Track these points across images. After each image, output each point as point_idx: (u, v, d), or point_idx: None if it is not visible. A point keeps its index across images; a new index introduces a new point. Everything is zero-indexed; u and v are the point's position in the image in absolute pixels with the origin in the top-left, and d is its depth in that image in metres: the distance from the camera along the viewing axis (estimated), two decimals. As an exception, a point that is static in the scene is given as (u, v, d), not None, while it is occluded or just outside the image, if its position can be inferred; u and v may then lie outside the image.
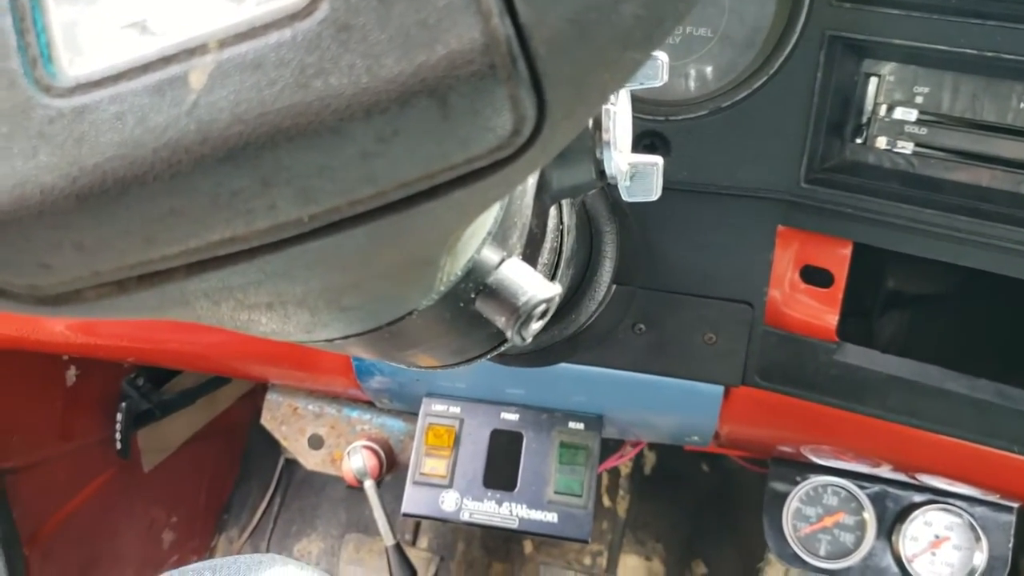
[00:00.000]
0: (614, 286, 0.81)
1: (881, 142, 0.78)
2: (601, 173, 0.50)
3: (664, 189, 0.86)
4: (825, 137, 0.79)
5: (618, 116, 0.49)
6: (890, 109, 0.77)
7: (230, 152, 0.26)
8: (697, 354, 0.90)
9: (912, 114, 0.77)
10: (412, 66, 0.25)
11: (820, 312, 0.87)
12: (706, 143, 0.81)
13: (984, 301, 1.09)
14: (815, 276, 0.86)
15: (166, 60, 0.26)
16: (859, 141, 0.79)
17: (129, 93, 0.26)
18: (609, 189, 0.81)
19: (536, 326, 0.47)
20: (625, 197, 0.53)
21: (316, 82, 0.26)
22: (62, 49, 0.28)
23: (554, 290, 0.46)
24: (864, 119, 0.79)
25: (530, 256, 0.52)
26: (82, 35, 0.28)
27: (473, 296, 0.45)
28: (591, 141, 0.49)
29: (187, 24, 0.27)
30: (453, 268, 0.40)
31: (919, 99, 0.78)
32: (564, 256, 0.61)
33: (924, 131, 0.77)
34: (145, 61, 0.27)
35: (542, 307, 0.45)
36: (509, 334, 0.47)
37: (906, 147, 0.78)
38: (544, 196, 0.50)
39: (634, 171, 0.52)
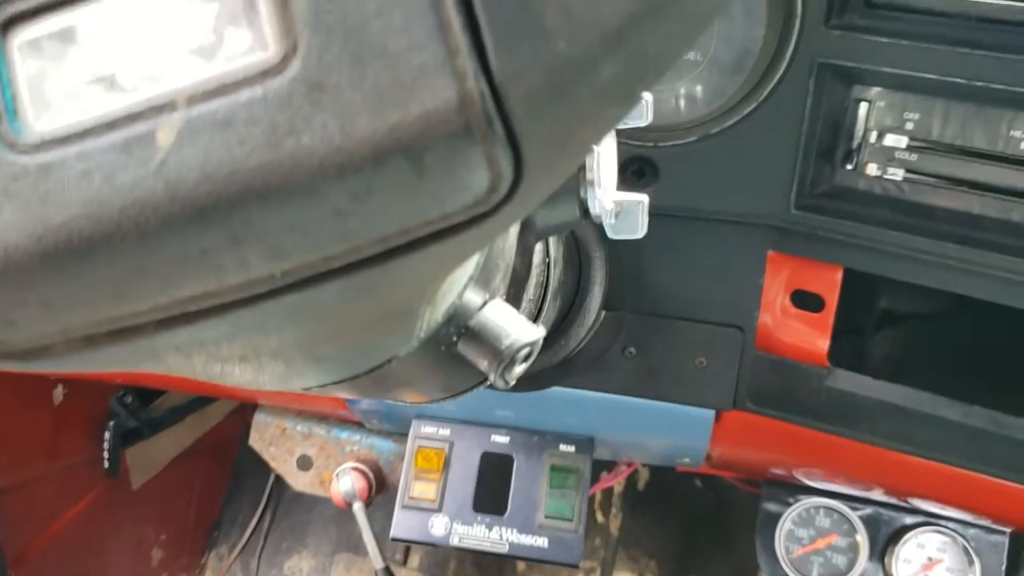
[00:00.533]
0: (603, 312, 0.81)
1: (872, 168, 0.77)
2: (585, 211, 0.50)
3: (653, 215, 0.85)
4: (815, 163, 0.79)
5: (602, 155, 0.49)
6: (880, 135, 0.77)
7: (199, 211, 0.25)
8: (688, 378, 0.90)
9: (902, 140, 0.76)
10: (386, 125, 0.25)
11: (811, 337, 0.86)
12: (695, 169, 0.81)
13: (977, 321, 1.08)
14: (806, 301, 0.86)
15: (133, 117, 0.26)
16: (849, 167, 0.78)
17: (95, 150, 0.26)
18: (597, 217, 0.81)
19: (519, 369, 0.47)
20: (610, 235, 0.53)
21: (288, 141, 0.25)
22: (28, 104, 0.27)
23: (537, 333, 0.45)
24: (854, 145, 0.78)
25: (514, 295, 0.51)
26: (49, 89, 0.27)
27: (455, 339, 0.45)
28: (575, 180, 0.49)
29: (156, 80, 0.26)
30: (433, 316, 0.40)
31: (909, 125, 0.77)
32: (551, 288, 0.60)
33: (914, 157, 0.77)
34: (112, 118, 0.26)
35: (525, 350, 0.45)
36: (492, 377, 0.46)
37: (896, 173, 0.77)
38: (528, 235, 0.50)
39: (619, 209, 0.51)
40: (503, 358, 0.44)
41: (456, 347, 0.45)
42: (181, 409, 1.59)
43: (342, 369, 0.40)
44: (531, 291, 0.55)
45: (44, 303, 0.28)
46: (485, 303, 0.45)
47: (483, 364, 0.45)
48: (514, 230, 0.47)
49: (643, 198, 0.51)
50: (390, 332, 0.38)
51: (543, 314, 0.60)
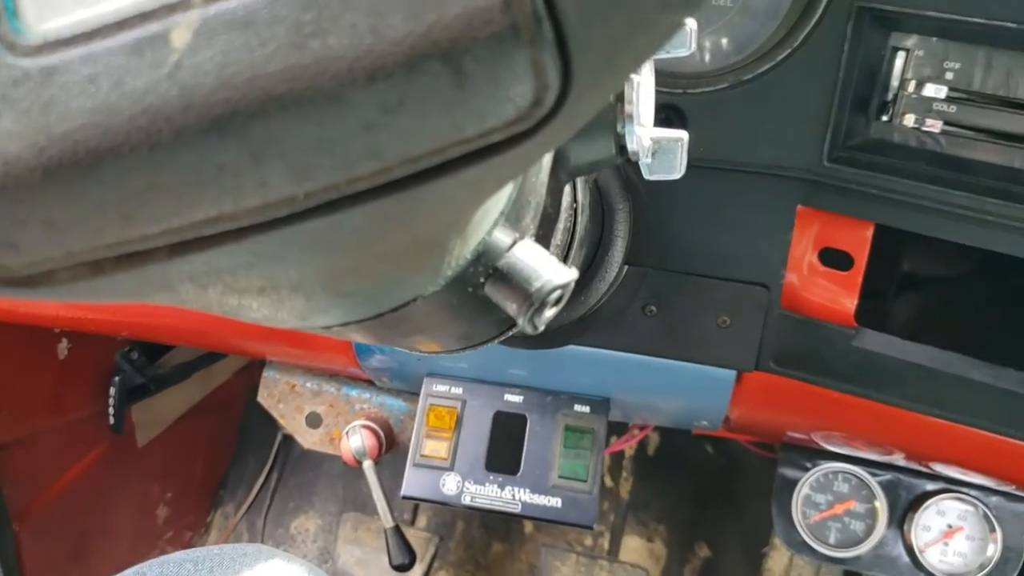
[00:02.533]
0: (626, 267, 0.78)
1: (908, 120, 0.74)
2: (622, 148, 0.47)
3: (680, 165, 0.83)
4: (850, 114, 0.76)
5: (642, 87, 0.46)
6: (918, 85, 0.74)
7: (216, 121, 0.23)
8: (710, 338, 0.87)
9: (942, 91, 0.73)
10: (423, 26, 0.22)
11: (838, 296, 0.83)
12: (725, 118, 0.78)
13: (1001, 284, 1.05)
14: (834, 259, 0.83)
15: (145, 16, 0.23)
16: (885, 119, 0.75)
17: (104, 53, 0.23)
18: (624, 166, 0.78)
19: (549, 313, 0.44)
20: (647, 175, 0.50)
21: (313, 43, 0.22)
22: (29, 2, 0.24)
23: (570, 275, 0.42)
24: (891, 96, 0.75)
25: (543, 237, 0.49)
26: None
27: (482, 280, 0.42)
28: (612, 114, 0.46)
29: None
30: (463, 251, 0.37)
31: (949, 75, 0.74)
32: (577, 236, 0.58)
33: (954, 109, 0.74)
34: (122, 16, 0.23)
35: (557, 293, 0.42)
36: (521, 322, 0.43)
37: (935, 126, 0.74)
38: (560, 172, 0.47)
39: (657, 147, 0.48)
40: (533, 301, 0.41)
41: (483, 289, 0.42)
42: (188, 366, 1.57)
43: (365, 307, 0.38)
44: (558, 236, 0.52)
45: (47, 223, 0.25)
46: (515, 242, 0.42)
47: (512, 307, 0.42)
48: (547, 164, 0.44)
49: (683, 135, 0.49)
50: (417, 267, 0.36)
51: (569, 262, 0.57)
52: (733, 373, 0.90)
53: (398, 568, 1.10)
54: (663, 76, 0.79)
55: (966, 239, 0.75)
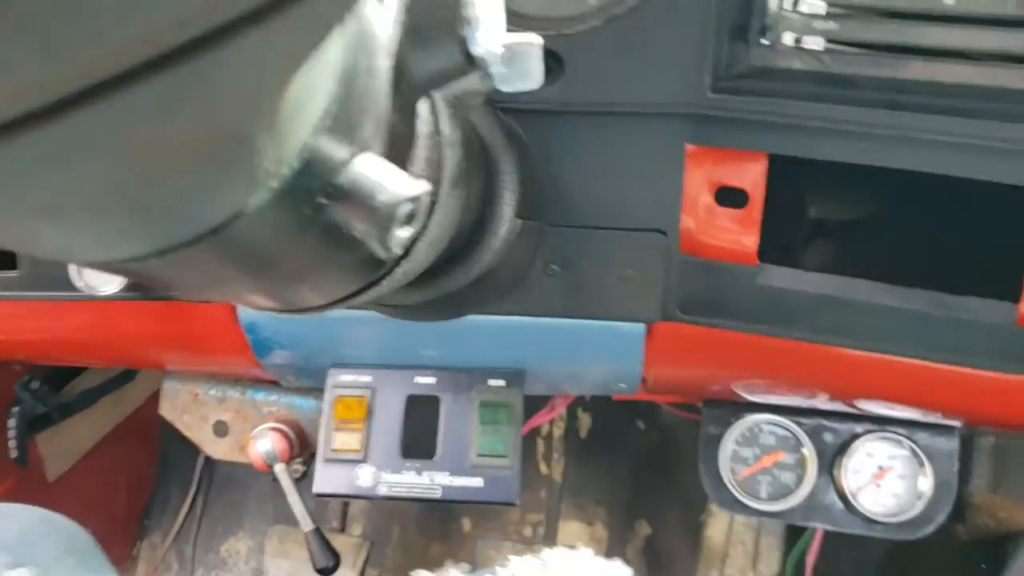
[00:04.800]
0: (519, 221, 0.75)
1: (788, 39, 0.72)
2: (469, 56, 0.44)
3: (562, 113, 0.80)
4: (729, 42, 0.73)
5: (481, -12, 0.43)
6: (796, 3, 0.72)
7: None
8: (614, 292, 0.84)
9: (820, 7, 0.71)
10: None
11: (738, 235, 0.81)
12: (603, 58, 0.75)
13: (908, 221, 1.05)
14: (730, 197, 0.81)
15: None
16: (765, 42, 0.73)
17: None
18: (504, 116, 0.75)
19: (403, 234, 0.40)
20: (500, 86, 0.46)
21: None
22: None
23: (420, 187, 0.39)
24: (769, 18, 0.73)
25: (396, 160, 0.45)
26: None
27: (323, 201, 0.38)
28: (451, 16, 0.43)
29: None
30: (280, 154, 0.33)
31: (825, -9, 0.72)
32: (447, 174, 0.54)
33: (834, 25, 0.72)
34: None
35: (407, 207, 0.38)
36: (372, 245, 0.40)
37: (816, 43, 0.72)
38: (405, 86, 0.43)
39: (510, 53, 0.45)
40: (381, 217, 0.38)
41: (326, 212, 0.39)
42: (94, 392, 1.50)
43: (175, 226, 0.33)
44: (419, 165, 0.48)
45: None
46: (354, 156, 0.38)
47: (359, 228, 0.38)
48: (382, 73, 0.40)
49: (537, 39, 0.45)
50: (224, 169, 0.32)
51: (441, 202, 0.53)
52: (642, 327, 0.88)
53: (322, 572, 1.05)
54: (536, 20, 0.76)
55: (857, 157, 0.73)
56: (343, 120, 0.37)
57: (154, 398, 1.67)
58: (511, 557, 0.81)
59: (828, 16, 0.72)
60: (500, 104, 0.75)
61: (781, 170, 0.79)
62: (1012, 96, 0.69)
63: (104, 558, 0.92)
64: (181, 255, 0.35)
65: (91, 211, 0.30)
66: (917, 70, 0.71)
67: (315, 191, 0.37)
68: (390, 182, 0.38)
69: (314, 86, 0.33)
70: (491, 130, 0.74)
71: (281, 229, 0.38)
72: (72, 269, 0.86)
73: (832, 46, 0.72)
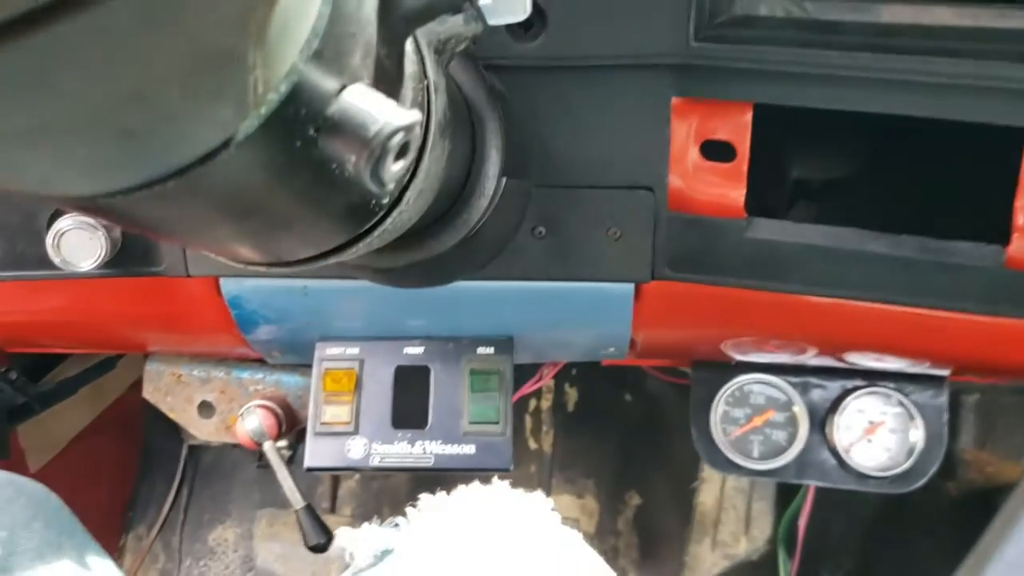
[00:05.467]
0: (504, 179, 0.74)
1: (772, -14, 0.71)
2: (456, -13, 0.43)
3: (546, 69, 0.79)
4: (712, -11, 0.73)
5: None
6: (777, -51, 0.71)
7: None
8: (602, 252, 0.84)
9: (801, -48, 0.71)
10: None
11: (725, 189, 0.81)
12: (585, 10, 0.74)
13: (892, 174, 1.05)
14: (717, 151, 0.80)
15: None
16: (748, -10, 0.72)
17: None
18: (488, 74, 0.74)
19: (396, 167, 0.39)
20: (489, 20, 0.46)
21: None
22: None
23: (412, 116, 0.38)
24: (751, -33, 0.73)
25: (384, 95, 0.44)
26: None
27: (313, 133, 0.37)
28: None
29: None
30: (269, 75, 0.32)
31: (807, -62, 0.72)
32: (434, 118, 0.53)
33: (816, -29, 0.72)
34: None
35: (399, 137, 0.37)
36: (365, 178, 0.39)
37: (798, -10, 0.72)
38: (392, 16, 0.42)
39: (496, -16, 0.44)
40: (373, 147, 0.37)
41: (316, 147, 0.38)
42: (75, 380, 1.47)
43: (165, 151, 0.32)
44: (406, 104, 0.47)
45: None
46: (344, 87, 0.37)
47: (351, 160, 0.37)
48: (369, 1, 0.39)
49: None
50: (214, 89, 0.31)
51: (428, 148, 0.53)
52: (631, 288, 0.87)
53: (314, 549, 1.04)
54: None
55: (845, 103, 0.73)
56: (332, 46, 0.36)
57: (136, 386, 1.65)
58: (422, 496, 0.80)
59: (810, -38, 0.71)
60: (483, 61, 0.74)
61: (764, 131, 0.79)
62: (995, 35, 0.69)
63: (76, 522, 0.90)
64: (169, 188, 0.34)
65: (76, 135, 0.29)
66: (900, 13, 0.71)
67: (305, 121, 0.36)
68: (382, 112, 0.37)
69: (305, 2, 0.32)
70: (474, 87, 0.73)
71: (271, 163, 0.37)
72: (49, 245, 0.84)
73: (815, -9, 0.72)
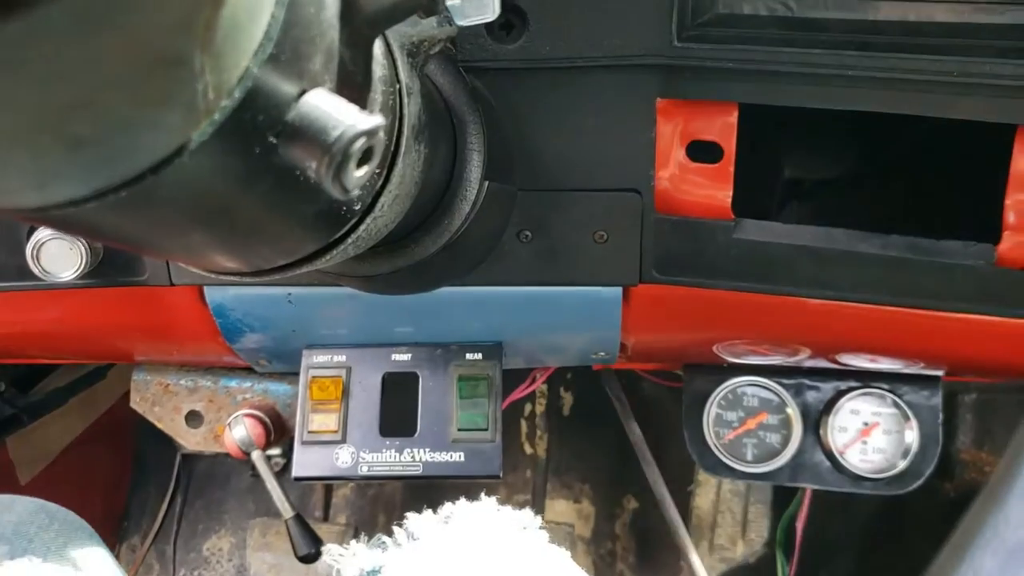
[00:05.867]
0: (487, 183, 0.73)
1: (754, -16, 0.71)
2: (423, -14, 0.42)
3: (528, 70, 0.78)
4: (694, -11, 0.72)
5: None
6: (760, -54, 0.70)
7: None
8: (590, 256, 0.83)
9: (784, -51, 0.70)
10: None
11: (712, 190, 0.80)
12: (566, 11, 0.73)
13: (882, 174, 1.04)
14: (703, 152, 0.79)
15: None
16: (731, -12, 0.71)
17: None
18: (468, 76, 0.73)
19: (360, 173, 0.38)
20: (458, 20, 0.44)
21: None
22: None
23: (374, 120, 0.37)
24: (733, -36, 0.72)
25: (349, 100, 0.43)
26: None
27: (272, 140, 0.36)
28: None
29: None
30: (220, 80, 0.31)
31: (790, -66, 0.71)
32: (407, 122, 0.52)
33: (799, -32, 0.71)
34: None
35: (361, 141, 0.36)
36: (326, 185, 0.38)
37: (781, -13, 0.71)
38: (355, 19, 0.41)
39: (464, -16, 0.43)
40: (334, 152, 0.36)
41: (276, 153, 0.36)
42: (64, 391, 1.46)
43: (114, 163, 0.31)
44: (374, 109, 0.46)
45: None
46: (304, 91, 0.36)
47: (312, 166, 0.36)
48: (330, 3, 0.38)
49: None
50: (161, 95, 0.30)
51: (402, 152, 0.51)
52: (619, 291, 0.86)
53: (304, 559, 1.03)
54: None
55: (830, 102, 0.72)
56: (289, 50, 0.35)
57: (126, 396, 1.64)
58: (409, 515, 0.79)
59: (794, -41, 0.70)
60: (463, 63, 0.73)
61: (755, 131, 0.78)
62: (982, 31, 0.68)
63: (106, 550, 0.90)
64: (123, 198, 0.33)
65: (16, 144, 0.28)
66: (885, 10, 0.70)
67: (263, 127, 0.35)
68: (343, 116, 0.36)
69: (255, 6, 0.31)
70: (455, 90, 0.72)
71: (229, 170, 0.36)
72: (29, 255, 0.83)
73: (798, -11, 0.71)
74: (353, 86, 0.43)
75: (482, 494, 0.81)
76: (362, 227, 0.52)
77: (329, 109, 0.36)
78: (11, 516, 0.85)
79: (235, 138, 0.34)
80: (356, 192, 0.39)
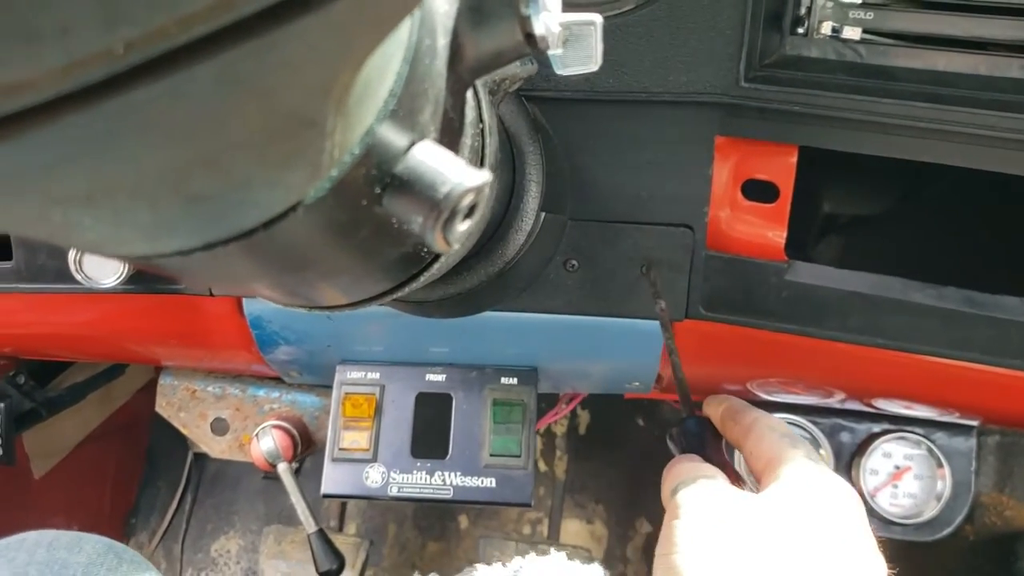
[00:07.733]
0: (543, 214, 0.72)
1: (825, 28, 0.70)
2: (529, 36, 0.41)
3: (589, 102, 0.77)
4: (764, 30, 0.71)
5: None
6: (833, -8, 0.69)
7: None
8: (636, 289, 0.82)
9: (857, -4, 0.69)
10: None
11: (766, 230, 0.79)
12: (633, 43, 0.72)
13: (926, 216, 1.03)
14: (759, 191, 0.78)
15: None
16: (800, 31, 0.71)
17: None
18: (531, 106, 0.72)
19: (463, 227, 0.37)
20: (559, 70, 0.44)
21: None
22: None
23: (483, 177, 0.36)
24: (804, 8, 0.71)
25: (447, 147, 0.42)
26: None
27: (379, 192, 0.35)
28: None
29: None
30: (346, 138, 0.30)
31: (863, -19, 0.70)
32: (487, 161, 0.51)
33: (871, 15, 0.70)
34: None
35: (469, 198, 0.35)
36: (429, 238, 0.37)
37: (853, 34, 0.70)
38: (459, 67, 0.40)
39: (568, 34, 0.42)
40: (442, 209, 0.35)
41: (380, 204, 0.36)
42: (82, 387, 1.45)
43: (228, 218, 0.30)
44: (466, 153, 0.45)
45: None
46: (413, 143, 0.35)
47: (418, 221, 0.35)
48: (442, 52, 0.38)
49: (596, 18, 0.42)
50: (289, 156, 0.29)
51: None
52: (663, 325, 0.85)
53: (325, 575, 1.02)
54: (566, 4, 0.73)
55: (897, 151, 0.71)
56: (406, 103, 0.34)
57: (142, 393, 1.64)
58: (477, 566, 0.79)
59: (864, 5, 0.70)
60: (524, 93, 0.73)
61: (798, 164, 0.77)
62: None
63: None
64: (228, 250, 0.32)
65: (139, 200, 0.27)
66: (957, 62, 0.69)
67: (373, 181, 0.34)
68: (452, 171, 0.35)
69: (386, 65, 0.31)
70: (516, 120, 0.71)
71: (334, 222, 0.36)
72: (71, 260, 0.83)
73: (868, 36, 0.70)
74: (452, 132, 0.42)
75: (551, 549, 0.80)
76: (436, 265, 0.51)
77: (438, 163, 0.35)
78: (81, 557, 0.85)
79: (346, 192, 0.33)
80: (456, 245, 0.38)
